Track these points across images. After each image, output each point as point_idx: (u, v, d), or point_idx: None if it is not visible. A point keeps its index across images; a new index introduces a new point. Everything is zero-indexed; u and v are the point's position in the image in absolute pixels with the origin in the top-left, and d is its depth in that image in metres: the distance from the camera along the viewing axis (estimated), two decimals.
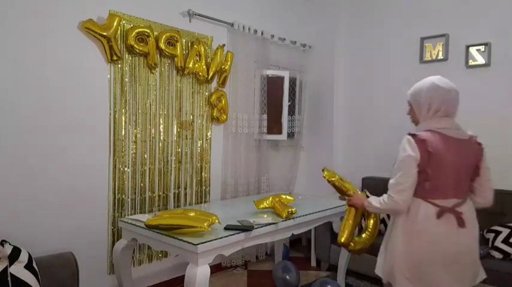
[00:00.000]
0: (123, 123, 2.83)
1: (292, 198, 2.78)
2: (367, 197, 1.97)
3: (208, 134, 3.42)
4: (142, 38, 2.85)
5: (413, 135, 1.72)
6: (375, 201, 1.82)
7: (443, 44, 3.53)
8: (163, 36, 2.95)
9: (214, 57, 3.34)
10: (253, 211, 2.62)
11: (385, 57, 3.97)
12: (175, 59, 3.07)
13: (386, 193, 1.76)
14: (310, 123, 4.39)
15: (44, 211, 2.46)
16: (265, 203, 2.58)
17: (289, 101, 4.05)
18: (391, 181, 1.73)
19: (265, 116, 3.82)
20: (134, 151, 2.90)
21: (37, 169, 2.43)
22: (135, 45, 2.80)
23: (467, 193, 1.78)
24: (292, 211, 2.48)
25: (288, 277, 3.06)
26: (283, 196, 2.74)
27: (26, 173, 2.38)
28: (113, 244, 2.70)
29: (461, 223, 1.68)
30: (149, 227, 2.14)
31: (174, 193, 3.19)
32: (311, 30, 4.36)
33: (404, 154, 1.69)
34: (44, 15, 2.42)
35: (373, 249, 3.17)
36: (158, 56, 2.99)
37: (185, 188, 3.26)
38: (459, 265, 1.70)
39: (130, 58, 2.85)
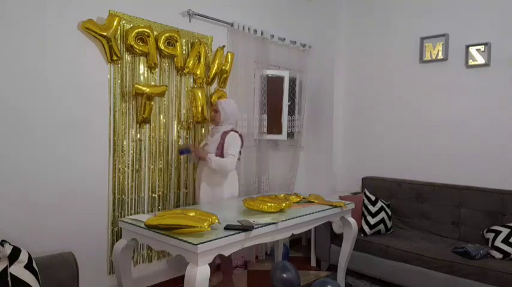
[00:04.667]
0: (123, 123, 2.83)
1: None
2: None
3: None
4: (142, 38, 2.85)
5: (236, 132, 3.01)
6: (219, 161, 2.85)
7: (443, 44, 3.53)
8: (163, 37, 2.95)
9: (214, 60, 3.34)
10: (253, 211, 2.61)
11: (385, 57, 3.97)
12: (175, 59, 3.08)
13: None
14: (310, 123, 4.39)
15: (44, 211, 2.46)
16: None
17: (289, 101, 4.05)
18: (233, 157, 2.89)
19: (265, 116, 3.82)
20: (134, 150, 2.90)
21: (37, 168, 2.43)
22: (135, 45, 2.80)
23: None
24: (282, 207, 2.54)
25: (286, 277, 3.03)
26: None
27: (26, 172, 2.38)
28: (113, 244, 2.70)
29: None
30: (149, 227, 2.14)
31: (174, 193, 3.19)
32: (311, 30, 4.36)
33: (239, 143, 2.95)
34: (44, 15, 2.42)
35: (372, 249, 3.19)
36: (158, 56, 2.99)
37: (185, 188, 3.26)
38: None
39: (130, 58, 2.85)
